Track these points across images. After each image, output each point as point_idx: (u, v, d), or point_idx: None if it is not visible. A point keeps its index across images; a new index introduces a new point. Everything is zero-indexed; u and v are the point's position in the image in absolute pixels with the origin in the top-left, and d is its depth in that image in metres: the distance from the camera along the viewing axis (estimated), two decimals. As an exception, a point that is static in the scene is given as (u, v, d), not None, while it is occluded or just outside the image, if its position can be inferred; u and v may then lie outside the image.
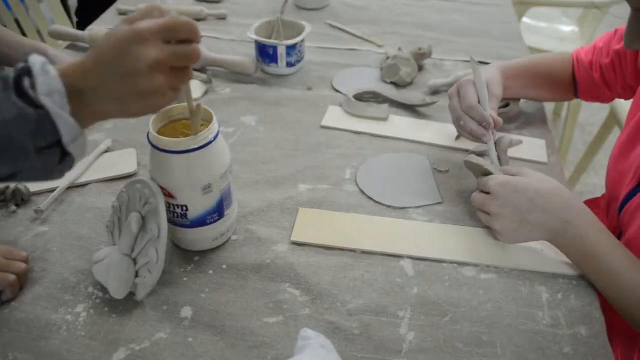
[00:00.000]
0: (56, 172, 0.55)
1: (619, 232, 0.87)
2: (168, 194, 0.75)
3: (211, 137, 0.73)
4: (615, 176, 0.91)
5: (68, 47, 1.39)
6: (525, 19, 2.52)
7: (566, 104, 2.44)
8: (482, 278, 0.79)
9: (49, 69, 0.52)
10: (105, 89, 0.54)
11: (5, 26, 1.88)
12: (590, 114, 2.70)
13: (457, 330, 0.72)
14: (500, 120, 0.91)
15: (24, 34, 2.09)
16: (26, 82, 0.50)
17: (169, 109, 0.77)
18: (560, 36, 2.46)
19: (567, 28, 2.52)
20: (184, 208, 0.76)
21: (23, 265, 0.79)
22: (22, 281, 0.78)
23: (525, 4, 2.39)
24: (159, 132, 0.75)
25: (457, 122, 0.95)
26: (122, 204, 0.79)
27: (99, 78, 0.54)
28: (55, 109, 0.51)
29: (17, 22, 2.07)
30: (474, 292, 0.77)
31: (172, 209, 0.77)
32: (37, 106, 0.50)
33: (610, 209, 0.93)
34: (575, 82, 1.07)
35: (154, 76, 0.55)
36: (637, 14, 0.72)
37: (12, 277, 0.76)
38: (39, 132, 0.50)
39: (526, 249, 0.82)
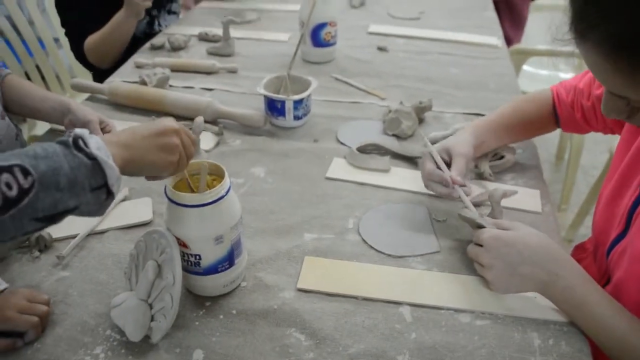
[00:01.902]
0: (103, 207, 0.70)
1: (607, 276, 0.92)
2: (183, 244, 0.81)
3: (223, 192, 0.80)
4: (602, 221, 0.96)
5: (88, 99, 1.48)
6: (525, 67, 2.60)
7: (568, 147, 2.50)
8: (478, 324, 0.84)
9: (92, 135, 0.69)
10: (136, 142, 0.75)
11: (26, 72, 1.99)
12: (593, 157, 2.75)
13: (452, 375, 0.77)
14: (458, 179, 0.98)
15: (43, 79, 2.19)
16: (81, 142, 0.67)
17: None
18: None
19: (566, 75, 2.60)
20: (198, 257, 0.82)
21: (45, 308, 0.85)
22: (44, 323, 0.84)
23: (524, 53, 2.48)
24: (175, 187, 0.81)
25: (427, 188, 1.05)
26: (139, 252, 0.85)
27: (133, 135, 0.75)
28: (104, 159, 0.67)
29: (37, 67, 2.18)
30: (469, 337, 0.82)
31: (186, 258, 0.82)
32: (91, 157, 0.66)
33: (597, 253, 0.98)
34: (556, 115, 1.14)
35: (173, 137, 0.78)
36: (611, 95, 0.77)
37: (35, 319, 0.82)
38: (93, 175, 0.66)
39: (519, 296, 0.87)
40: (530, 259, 0.83)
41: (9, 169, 0.61)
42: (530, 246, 0.84)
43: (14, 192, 0.60)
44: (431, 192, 1.08)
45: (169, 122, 0.79)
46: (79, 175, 0.65)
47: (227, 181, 0.81)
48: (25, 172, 0.61)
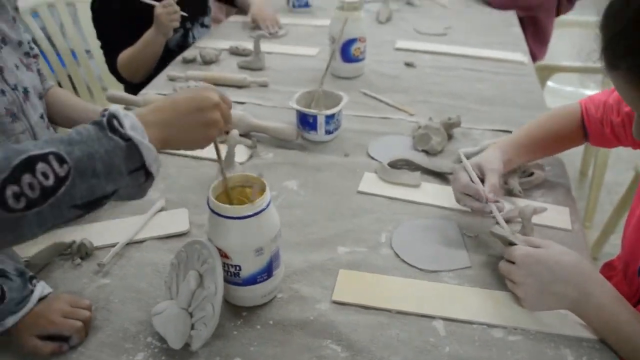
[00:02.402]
0: (143, 189, 0.70)
1: (638, 295, 0.92)
2: (224, 255, 0.83)
3: (264, 204, 0.82)
4: (633, 239, 0.97)
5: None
6: (549, 83, 2.61)
7: (592, 163, 2.50)
8: (510, 340, 0.85)
9: (127, 113, 0.68)
10: (175, 119, 0.73)
11: (58, 82, 2.04)
12: (617, 174, 2.74)
13: (486, 389, 0.78)
14: (491, 195, 1.00)
15: (74, 89, 2.25)
16: (115, 122, 0.65)
17: (227, 178, 0.86)
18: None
19: (592, 92, 2.60)
20: (238, 268, 0.84)
21: (87, 313, 0.88)
22: (87, 328, 0.87)
23: (549, 69, 2.49)
24: (216, 199, 0.84)
25: (458, 202, 1.07)
26: (180, 262, 0.87)
27: (172, 110, 0.73)
28: (139, 139, 0.66)
29: (69, 77, 2.24)
30: (502, 352, 0.83)
31: (226, 268, 0.85)
32: (126, 139, 0.65)
33: (628, 271, 0.99)
34: (585, 130, 1.15)
35: (215, 112, 0.76)
36: None
37: (79, 323, 0.85)
38: (129, 157, 0.66)
39: (552, 312, 0.88)
40: (562, 277, 0.85)
41: (44, 158, 0.60)
42: (562, 264, 0.85)
43: (50, 181, 0.60)
44: (461, 208, 1.10)
45: (211, 94, 0.76)
46: (115, 158, 0.64)
47: (268, 194, 0.83)
48: (61, 160, 0.61)
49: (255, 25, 2.11)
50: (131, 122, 0.66)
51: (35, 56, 1.26)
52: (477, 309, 0.90)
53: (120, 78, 1.88)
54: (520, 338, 0.85)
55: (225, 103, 0.78)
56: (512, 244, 0.92)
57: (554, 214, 1.11)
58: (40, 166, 0.60)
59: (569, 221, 1.10)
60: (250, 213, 0.81)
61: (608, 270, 1.13)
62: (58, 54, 2.17)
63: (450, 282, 0.95)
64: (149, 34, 1.73)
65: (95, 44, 2.21)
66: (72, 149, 0.62)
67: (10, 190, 0.59)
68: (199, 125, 0.74)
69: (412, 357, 0.82)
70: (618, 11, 0.72)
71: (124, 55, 1.79)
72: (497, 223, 0.98)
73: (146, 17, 1.70)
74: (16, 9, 1.20)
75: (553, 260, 0.86)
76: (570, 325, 0.86)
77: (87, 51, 2.29)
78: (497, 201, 1.00)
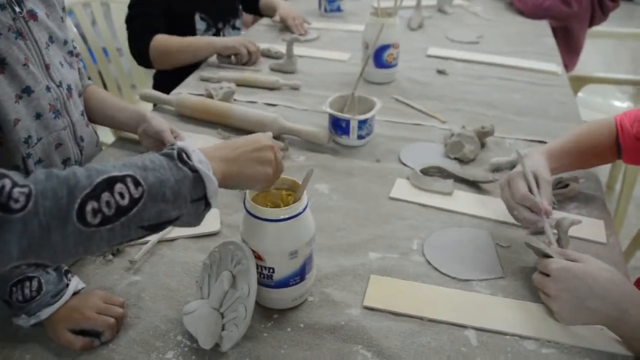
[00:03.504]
0: (200, 217, 0.74)
1: None
2: (258, 257, 0.83)
3: (301, 208, 0.82)
4: None
5: (154, 109, 1.53)
6: (580, 94, 2.58)
7: (621, 178, 2.46)
8: (543, 352, 0.84)
9: (195, 148, 0.73)
10: (235, 155, 0.78)
11: (89, 77, 2.07)
12: (646, 189, 2.69)
13: (520, 402, 0.77)
14: (550, 210, 0.97)
15: (104, 85, 2.27)
16: (184, 155, 0.71)
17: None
18: (615, 111, 2.51)
19: (622, 104, 2.57)
20: (271, 270, 0.84)
21: (120, 310, 0.88)
22: (119, 325, 0.87)
23: (581, 79, 2.46)
24: (253, 200, 0.84)
25: (511, 212, 1.02)
26: (213, 262, 0.87)
27: (232, 149, 0.79)
28: (205, 172, 0.71)
29: (99, 73, 2.26)
30: (535, 367, 0.82)
31: (260, 270, 0.85)
32: (194, 170, 0.70)
33: None
34: (618, 146, 1.12)
35: (270, 152, 0.81)
36: None
37: (112, 320, 0.86)
38: (195, 187, 0.70)
39: (587, 327, 0.86)
40: (599, 293, 0.83)
41: (122, 179, 0.65)
42: (600, 281, 0.84)
43: (125, 201, 0.64)
44: (494, 217, 1.09)
45: (265, 138, 0.82)
46: (183, 187, 0.69)
47: (305, 198, 0.83)
48: (137, 183, 0.65)
49: (284, 27, 2.12)
50: (198, 156, 0.71)
51: (77, 55, 1.28)
52: (510, 319, 0.88)
53: (144, 61, 1.81)
54: (554, 351, 0.84)
55: (278, 150, 0.84)
56: (547, 256, 0.91)
57: (588, 227, 1.09)
58: (119, 186, 0.64)
59: (605, 234, 1.08)
60: (287, 216, 0.81)
61: None
62: (90, 51, 2.20)
63: (483, 292, 0.94)
64: (202, 39, 1.76)
65: (126, 42, 2.24)
66: (146, 174, 0.67)
67: (90, 205, 0.62)
68: (257, 163, 0.79)
69: (444, 366, 0.81)
70: None
71: (163, 40, 1.74)
72: (536, 233, 0.96)
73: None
74: (64, 9, 1.22)
75: (591, 276, 0.84)
76: (605, 341, 0.85)
77: (118, 49, 2.32)
78: (572, 221, 0.97)
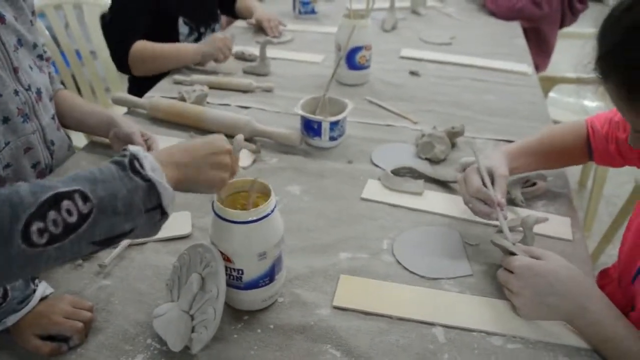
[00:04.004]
0: (157, 227, 0.73)
1: (631, 303, 0.93)
2: (227, 259, 0.84)
3: (269, 210, 0.83)
4: (630, 248, 0.97)
5: (127, 113, 1.52)
6: (551, 94, 2.62)
7: (591, 176, 2.51)
8: (509, 347, 0.85)
9: (146, 154, 0.71)
10: (190, 159, 0.78)
11: (62, 81, 2.06)
12: (616, 187, 2.74)
13: (486, 397, 0.78)
14: (503, 202, 1.00)
15: (78, 89, 2.25)
16: (136, 163, 0.69)
17: (232, 182, 0.87)
18: (585, 111, 2.55)
19: (592, 103, 2.61)
20: (240, 272, 0.85)
21: (89, 314, 0.88)
22: (88, 329, 0.87)
23: (551, 80, 2.50)
24: (222, 203, 0.84)
25: (467, 204, 1.06)
26: (182, 265, 0.87)
27: (186, 153, 0.78)
28: (158, 180, 0.69)
29: (72, 77, 2.25)
30: (501, 362, 0.83)
31: (229, 272, 0.85)
32: (146, 179, 0.68)
33: (623, 280, 0.99)
34: (590, 148, 1.15)
35: (227, 156, 0.82)
36: (636, 134, 0.80)
37: (80, 324, 0.85)
38: (148, 197, 0.69)
39: (551, 322, 0.88)
40: (559, 290, 0.85)
41: (69, 195, 0.63)
42: (560, 278, 0.86)
43: (74, 218, 0.63)
44: (463, 216, 1.10)
45: (221, 142, 0.82)
46: (135, 198, 0.67)
47: (273, 200, 0.84)
48: (85, 198, 0.64)
49: (259, 28, 2.13)
50: (151, 164, 0.70)
51: (47, 59, 1.27)
52: (477, 316, 0.90)
53: (124, 67, 1.80)
54: (520, 347, 0.85)
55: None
56: (512, 253, 0.92)
57: (555, 224, 1.11)
58: (66, 203, 0.63)
59: (570, 232, 1.10)
60: (255, 218, 0.81)
61: (603, 278, 1.13)
62: (63, 54, 2.18)
63: (451, 290, 0.96)
64: (189, 47, 1.75)
65: (100, 45, 2.23)
66: (95, 187, 0.65)
67: (36, 226, 0.60)
68: (212, 167, 0.79)
69: (411, 364, 0.82)
70: (611, 26, 0.74)
71: (143, 47, 1.73)
72: (500, 231, 0.98)
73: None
74: (33, 12, 1.21)
75: (552, 273, 0.87)
76: (569, 335, 0.86)
77: (92, 52, 2.30)
78: (503, 209, 1.01)
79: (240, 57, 1.84)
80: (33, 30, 1.19)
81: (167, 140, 1.35)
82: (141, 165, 0.69)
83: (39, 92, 1.18)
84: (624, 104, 0.75)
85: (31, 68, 1.17)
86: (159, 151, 0.76)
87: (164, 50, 1.74)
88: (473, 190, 1.03)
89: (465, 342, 0.86)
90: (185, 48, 1.77)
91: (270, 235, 0.84)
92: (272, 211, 0.83)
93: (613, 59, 0.73)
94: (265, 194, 0.86)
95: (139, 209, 0.68)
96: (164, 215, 0.72)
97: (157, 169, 0.70)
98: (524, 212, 1.14)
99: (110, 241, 0.67)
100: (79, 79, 2.27)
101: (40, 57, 1.21)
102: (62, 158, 1.29)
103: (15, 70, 1.11)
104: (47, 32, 2.09)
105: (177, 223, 1.09)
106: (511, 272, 0.90)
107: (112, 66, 2.29)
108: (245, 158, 1.28)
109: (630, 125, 0.82)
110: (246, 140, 1.33)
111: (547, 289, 0.86)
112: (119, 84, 2.36)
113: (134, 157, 0.69)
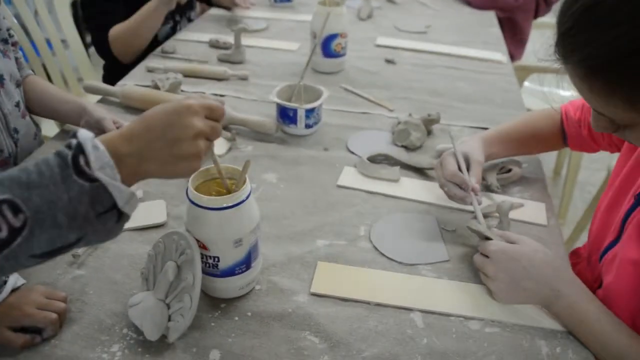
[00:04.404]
0: (114, 231, 0.63)
1: (599, 281, 0.95)
2: (202, 246, 0.83)
3: (244, 196, 0.82)
4: (599, 228, 1.00)
5: (100, 101, 1.49)
6: (526, 83, 2.65)
7: (566, 164, 2.54)
8: (487, 331, 0.86)
9: (97, 144, 0.60)
10: (151, 152, 0.65)
11: (32, 70, 2.01)
12: (590, 174, 2.79)
13: (463, 380, 0.79)
14: (478, 187, 1.02)
15: (49, 79, 2.21)
16: (81, 160, 0.58)
17: (206, 169, 0.85)
18: (559, 100, 2.57)
19: (566, 92, 2.64)
20: (216, 259, 0.84)
21: (63, 305, 0.86)
22: (62, 320, 0.85)
23: (526, 69, 2.53)
24: (196, 189, 0.83)
25: (442, 188, 1.07)
26: (157, 253, 0.86)
27: (147, 142, 0.65)
28: (109, 180, 0.59)
29: (43, 66, 2.20)
30: (479, 344, 0.84)
31: (204, 260, 0.84)
32: (93, 180, 0.59)
33: (591, 258, 1.02)
34: (564, 133, 1.17)
35: (196, 143, 0.67)
36: (596, 112, 0.81)
37: (54, 315, 0.83)
38: (97, 201, 0.59)
39: (528, 306, 0.89)
40: (534, 274, 0.87)
41: None
42: (534, 263, 0.87)
43: (4, 234, 0.56)
44: (440, 203, 1.11)
45: (191, 118, 0.66)
46: (80, 206, 0.58)
47: (248, 186, 0.83)
48: (16, 209, 0.56)
49: (232, 17, 2.11)
50: (100, 160, 0.59)
51: (14, 44, 1.24)
52: (455, 301, 0.90)
53: (110, 58, 1.80)
54: (497, 330, 0.86)
55: (215, 112, 0.70)
56: (488, 238, 0.93)
57: (530, 210, 1.12)
58: None
59: (545, 217, 1.11)
60: (229, 204, 0.80)
61: (574, 257, 1.16)
62: (32, 43, 2.13)
63: (429, 275, 0.96)
64: (150, 5, 1.71)
65: (71, 35, 2.19)
66: (30, 195, 0.56)
67: None
68: (180, 159, 0.66)
69: (390, 348, 0.82)
70: (567, 9, 0.75)
71: (119, 29, 1.73)
72: (475, 217, 0.99)
73: None
74: None
75: (526, 257, 0.88)
76: (546, 318, 0.87)
77: (63, 41, 2.25)
78: (478, 194, 1.02)
79: (215, 45, 1.82)
80: None
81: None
82: (87, 162, 0.58)
83: (1, 78, 1.15)
84: (584, 84, 0.76)
85: None
86: (113, 136, 0.64)
87: (135, 19, 1.73)
88: (448, 173, 1.04)
89: (443, 326, 0.87)
90: (145, 7, 1.73)
91: (245, 222, 0.83)
92: (247, 197, 0.82)
93: (570, 38, 0.74)
94: (241, 181, 0.85)
95: (85, 217, 0.59)
96: (122, 216, 0.62)
97: (109, 164, 0.60)
98: (499, 197, 1.15)
99: (55, 253, 0.60)
100: (50, 68, 2.22)
101: (4, 41, 1.17)
102: (27, 147, 1.26)
103: None
104: (14, 19, 2.04)
105: (152, 212, 1.08)
106: (487, 256, 0.91)
107: (84, 56, 2.26)
108: (220, 146, 1.27)
109: (591, 106, 0.83)
110: (222, 128, 1.32)
111: (522, 273, 0.87)
112: (93, 74, 2.32)
113: (79, 151, 0.59)
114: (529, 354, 0.82)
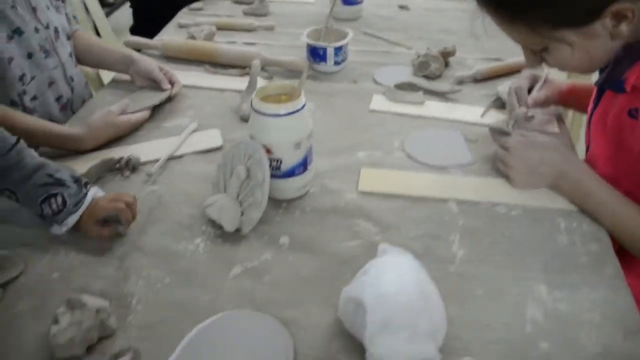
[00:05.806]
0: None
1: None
2: (267, 150, 0.96)
3: (300, 105, 0.95)
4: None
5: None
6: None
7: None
8: (512, 214, 1.00)
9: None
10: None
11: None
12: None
13: (496, 249, 0.93)
14: (531, 102, 1.18)
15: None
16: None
17: (265, 86, 0.99)
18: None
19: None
20: (279, 161, 0.98)
21: (131, 196, 0.98)
22: (133, 210, 0.97)
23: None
24: (261, 100, 0.96)
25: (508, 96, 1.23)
26: (227, 162, 1.00)
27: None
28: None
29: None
30: (506, 224, 0.98)
31: (269, 162, 0.98)
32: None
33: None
34: None
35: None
36: (523, 50, 0.96)
37: (121, 204, 0.95)
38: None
39: (546, 192, 1.03)
40: (548, 161, 1.01)
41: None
42: (548, 151, 1.02)
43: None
44: (462, 119, 1.25)
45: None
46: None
47: (303, 97, 0.96)
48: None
49: None
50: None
51: (64, 0, 1.37)
52: (483, 192, 1.04)
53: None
54: (521, 212, 1.00)
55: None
56: (507, 134, 1.07)
57: (542, 120, 1.25)
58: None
59: (557, 126, 1.24)
60: (290, 111, 0.94)
61: None
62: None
63: (458, 175, 1.10)
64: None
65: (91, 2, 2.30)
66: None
67: None
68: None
69: (432, 229, 0.97)
70: None
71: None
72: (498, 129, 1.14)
73: None
74: None
75: (541, 146, 1.02)
76: (563, 201, 1.01)
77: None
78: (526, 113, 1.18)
79: (238, 0, 1.94)
80: None
81: (183, 75, 1.46)
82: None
83: (56, 30, 1.29)
84: (506, 26, 0.91)
85: (48, 8, 1.27)
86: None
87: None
88: (516, 86, 1.20)
89: (475, 211, 1.01)
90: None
91: (303, 127, 0.97)
92: (303, 106, 0.96)
93: None
94: (295, 95, 0.98)
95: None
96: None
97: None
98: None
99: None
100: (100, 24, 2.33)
101: None
102: (81, 94, 1.40)
103: (34, 10, 1.22)
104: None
105: (209, 138, 1.21)
106: (506, 149, 1.04)
107: (104, 22, 2.37)
108: (260, 84, 1.40)
109: (521, 45, 0.96)
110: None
111: (537, 160, 1.01)
112: (113, 40, 2.42)
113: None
114: (550, 228, 0.96)
